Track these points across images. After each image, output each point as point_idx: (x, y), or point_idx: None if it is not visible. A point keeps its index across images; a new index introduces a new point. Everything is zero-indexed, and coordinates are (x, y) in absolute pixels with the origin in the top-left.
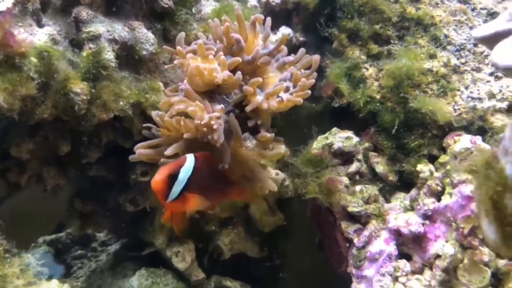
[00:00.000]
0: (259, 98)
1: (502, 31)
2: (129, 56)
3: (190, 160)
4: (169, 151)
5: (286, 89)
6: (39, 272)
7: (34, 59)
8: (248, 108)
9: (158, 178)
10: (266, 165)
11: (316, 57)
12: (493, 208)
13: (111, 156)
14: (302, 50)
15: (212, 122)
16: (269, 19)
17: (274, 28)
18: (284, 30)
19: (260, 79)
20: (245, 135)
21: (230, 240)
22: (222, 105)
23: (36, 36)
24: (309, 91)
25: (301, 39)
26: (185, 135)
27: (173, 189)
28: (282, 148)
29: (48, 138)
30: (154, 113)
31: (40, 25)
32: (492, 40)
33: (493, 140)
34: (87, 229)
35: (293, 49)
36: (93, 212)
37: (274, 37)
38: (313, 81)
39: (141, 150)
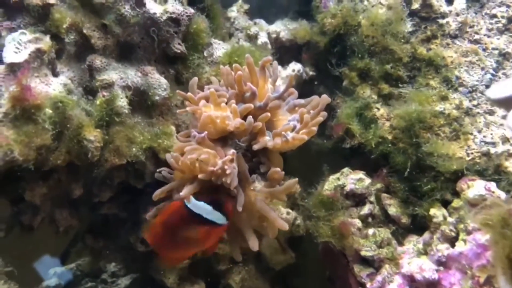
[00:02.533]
0: (267, 138)
1: None
2: (142, 101)
3: None
4: (184, 193)
5: (293, 129)
6: None
7: (49, 110)
8: (254, 147)
9: None
10: (277, 205)
11: (325, 97)
12: (510, 267)
13: (123, 194)
14: (315, 97)
15: (226, 167)
16: (275, 63)
17: (284, 63)
18: (294, 66)
19: (268, 114)
20: (253, 177)
21: (241, 278)
22: (234, 150)
23: (51, 86)
24: (315, 129)
25: (310, 73)
26: (199, 176)
27: None
28: (292, 183)
29: (61, 181)
30: (168, 156)
31: (55, 73)
32: (506, 103)
33: (508, 188)
34: (97, 264)
35: (303, 84)
36: (104, 248)
37: (284, 73)
38: (320, 119)
39: (158, 192)
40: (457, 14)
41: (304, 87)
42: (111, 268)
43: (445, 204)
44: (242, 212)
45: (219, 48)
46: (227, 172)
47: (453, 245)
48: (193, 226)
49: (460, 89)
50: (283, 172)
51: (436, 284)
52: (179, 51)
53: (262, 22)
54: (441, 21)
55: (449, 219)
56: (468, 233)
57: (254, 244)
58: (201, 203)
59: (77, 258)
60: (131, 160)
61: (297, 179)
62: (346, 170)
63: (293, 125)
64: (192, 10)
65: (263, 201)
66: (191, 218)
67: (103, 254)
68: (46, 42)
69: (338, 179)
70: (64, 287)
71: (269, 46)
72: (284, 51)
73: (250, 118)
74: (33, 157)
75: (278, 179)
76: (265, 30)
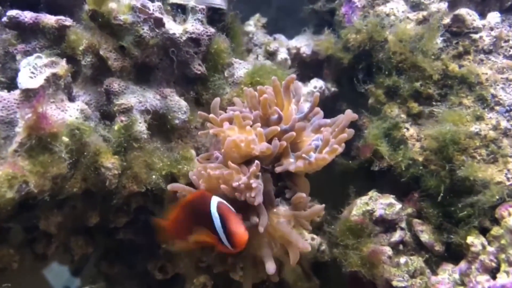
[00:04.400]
0: (291, 161)
1: None
2: (161, 125)
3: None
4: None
5: (316, 149)
6: None
7: (65, 138)
8: (277, 170)
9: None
10: (301, 230)
11: (349, 113)
12: None
13: (139, 219)
14: (341, 116)
15: (251, 181)
16: (297, 82)
17: (305, 79)
18: (316, 83)
19: (293, 133)
20: (277, 200)
21: None
22: (257, 161)
23: (68, 112)
24: (339, 147)
25: (332, 89)
26: (221, 187)
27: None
28: (318, 208)
29: (77, 208)
30: (191, 173)
31: (71, 97)
32: None
33: None
34: None
35: (325, 101)
36: (119, 275)
37: (305, 89)
38: (344, 136)
39: (175, 184)
40: (491, 28)
41: (326, 104)
42: None
43: (484, 232)
44: (263, 237)
45: (240, 68)
46: (253, 185)
47: (493, 276)
48: (206, 222)
49: (497, 108)
50: (309, 198)
51: None
52: (199, 72)
53: (282, 37)
54: (474, 36)
55: (489, 248)
56: (511, 264)
57: (270, 267)
58: (217, 216)
59: (91, 283)
60: (150, 188)
61: (323, 205)
62: (374, 194)
63: (315, 145)
64: (212, 30)
65: (286, 224)
66: (208, 213)
67: (118, 281)
68: (62, 66)
69: (367, 204)
70: None
71: (289, 62)
72: (305, 67)
73: (276, 141)
74: (48, 188)
75: (303, 204)
76: (285, 46)
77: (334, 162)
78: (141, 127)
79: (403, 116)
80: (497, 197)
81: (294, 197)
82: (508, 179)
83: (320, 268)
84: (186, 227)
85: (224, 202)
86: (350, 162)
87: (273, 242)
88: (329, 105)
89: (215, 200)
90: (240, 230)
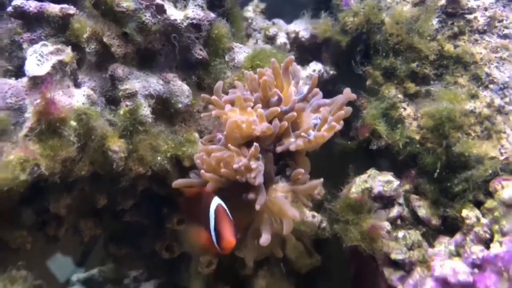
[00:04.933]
0: (292, 140)
1: None
2: (164, 109)
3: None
4: (210, 187)
5: (315, 128)
6: None
7: (73, 123)
8: (278, 149)
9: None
10: (302, 208)
11: (348, 91)
12: None
13: (145, 201)
14: (340, 96)
15: (251, 162)
16: (296, 65)
17: (304, 62)
18: (315, 66)
19: (295, 114)
20: (277, 178)
21: (266, 282)
22: (256, 144)
23: (74, 98)
24: (338, 125)
25: (331, 73)
26: (222, 171)
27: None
28: (316, 183)
29: (85, 191)
30: (195, 157)
31: (77, 84)
32: None
33: None
34: (121, 271)
35: (324, 84)
36: (127, 256)
37: (304, 73)
38: (342, 113)
39: (180, 180)
40: (485, 9)
41: (325, 87)
42: (133, 273)
43: (478, 205)
44: (263, 212)
45: (241, 52)
46: (253, 167)
47: (487, 247)
48: (203, 220)
49: (491, 86)
50: (308, 176)
51: (471, 287)
52: (200, 57)
53: (280, 22)
54: (468, 16)
55: (483, 220)
56: (504, 234)
57: (265, 239)
58: (213, 216)
59: (100, 265)
60: (156, 170)
61: (322, 179)
62: (373, 172)
63: (314, 124)
64: (213, 15)
65: (282, 197)
66: (207, 212)
67: (126, 262)
68: (67, 53)
69: (366, 181)
70: None
71: (288, 46)
72: (304, 51)
73: (276, 121)
74: (58, 170)
75: (302, 180)
76: (284, 30)
77: (333, 143)
78: (145, 111)
79: (400, 96)
80: (490, 171)
81: (294, 173)
82: (501, 154)
83: (321, 245)
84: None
85: (223, 205)
86: (349, 142)
87: (273, 218)
88: (328, 88)
89: (216, 201)
90: (228, 235)
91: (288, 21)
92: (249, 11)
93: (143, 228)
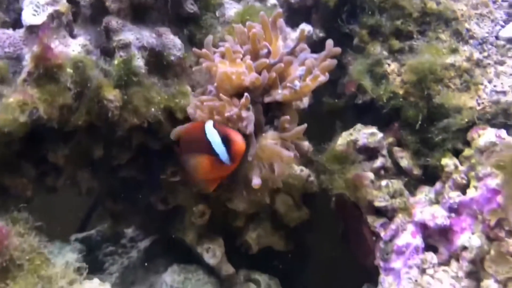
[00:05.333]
0: (279, 91)
1: None
2: (157, 62)
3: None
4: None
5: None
6: (80, 268)
7: (70, 70)
8: (265, 100)
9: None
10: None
11: (331, 43)
12: None
13: (140, 157)
14: (328, 42)
15: (242, 111)
16: (282, 21)
17: (294, 25)
18: (304, 27)
19: (282, 65)
20: (266, 127)
21: (257, 234)
22: (247, 94)
23: (70, 47)
24: (321, 75)
25: (321, 35)
26: (216, 117)
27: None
28: (301, 128)
29: (82, 142)
30: (188, 108)
31: (72, 35)
32: None
33: None
34: (118, 227)
35: (313, 45)
36: (124, 211)
37: (294, 34)
38: (326, 63)
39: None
40: None
41: (315, 49)
42: (129, 233)
43: (457, 154)
44: (252, 160)
45: (231, 8)
46: (243, 115)
47: (464, 193)
48: (202, 148)
49: (471, 41)
50: (296, 126)
51: (448, 230)
52: (192, 11)
53: None
54: None
55: (461, 168)
56: (479, 179)
57: (256, 180)
58: (215, 131)
59: (98, 223)
60: (150, 120)
61: (305, 124)
62: (358, 126)
63: (299, 75)
64: None
65: (272, 143)
66: (203, 138)
67: (123, 217)
68: (63, 4)
69: (351, 134)
70: (86, 253)
71: (278, 8)
72: (294, 13)
73: (265, 72)
74: (56, 116)
75: (289, 129)
76: None
77: (321, 102)
78: (139, 62)
79: (385, 53)
80: (466, 119)
81: (280, 121)
82: (478, 104)
83: (309, 198)
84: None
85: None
86: (337, 100)
87: (262, 164)
88: (317, 50)
89: (209, 123)
90: (236, 137)
91: None
92: None
93: (139, 183)
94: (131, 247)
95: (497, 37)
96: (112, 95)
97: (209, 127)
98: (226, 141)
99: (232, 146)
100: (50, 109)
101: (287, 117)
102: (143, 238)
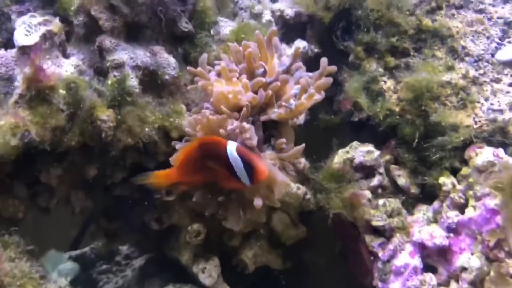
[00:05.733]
0: (274, 110)
1: None
2: (152, 81)
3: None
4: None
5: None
6: None
7: (62, 91)
8: (261, 119)
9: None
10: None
11: (325, 60)
12: None
13: (135, 175)
14: (323, 60)
15: (244, 123)
16: (276, 39)
17: (289, 41)
18: (299, 44)
19: (278, 83)
20: (264, 147)
21: (253, 253)
22: (247, 103)
23: (63, 67)
24: (316, 93)
25: (316, 51)
26: (220, 131)
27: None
28: (299, 148)
29: (76, 162)
30: (185, 123)
31: (65, 55)
32: None
33: None
34: (113, 246)
35: (308, 61)
36: (118, 230)
37: (289, 51)
38: (321, 81)
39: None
40: None
41: (310, 65)
42: (124, 250)
43: (454, 172)
44: None
45: (226, 26)
46: (246, 126)
47: (462, 212)
48: (221, 165)
49: (466, 58)
50: (293, 145)
51: (446, 250)
52: (186, 30)
53: (265, 0)
54: None
55: (458, 187)
56: (477, 199)
57: (258, 202)
58: (238, 157)
59: (92, 241)
60: (144, 140)
61: (304, 145)
62: (355, 143)
63: (294, 93)
64: None
65: (271, 165)
66: (224, 160)
67: (117, 236)
68: (56, 24)
69: (347, 152)
70: (80, 270)
71: (274, 24)
72: (289, 29)
73: (261, 91)
74: (48, 138)
75: (287, 149)
76: (269, 8)
77: (317, 119)
78: (133, 82)
79: (381, 70)
80: (462, 138)
81: (277, 142)
82: (475, 122)
83: (306, 216)
84: (196, 168)
85: (241, 145)
86: (333, 117)
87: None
88: (312, 66)
89: (232, 145)
90: (263, 167)
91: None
92: None
93: (134, 201)
94: (126, 265)
95: (492, 55)
96: (105, 115)
97: (231, 150)
98: (249, 167)
99: (256, 175)
100: (43, 131)
101: (283, 139)
102: (138, 256)
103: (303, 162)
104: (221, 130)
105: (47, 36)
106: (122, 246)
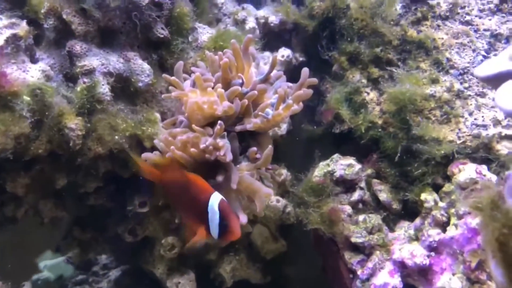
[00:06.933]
0: (251, 120)
1: (506, 72)
2: (125, 88)
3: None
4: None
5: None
6: None
7: (27, 98)
8: (236, 129)
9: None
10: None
11: (305, 70)
12: (500, 250)
13: (110, 184)
14: (304, 70)
15: (218, 140)
16: (252, 49)
17: (273, 48)
18: (283, 52)
19: (255, 92)
20: (240, 158)
21: (232, 267)
22: (221, 122)
23: (29, 73)
24: (295, 105)
25: (300, 59)
26: (191, 150)
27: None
28: (269, 150)
29: (44, 171)
30: (156, 141)
31: (33, 60)
32: (495, 80)
33: (499, 170)
34: (87, 256)
35: (293, 70)
36: (92, 240)
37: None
38: (300, 93)
39: (148, 154)
40: None
41: (294, 73)
42: (102, 260)
43: (437, 188)
44: (230, 192)
45: (204, 33)
46: (220, 144)
47: (444, 230)
48: (198, 209)
49: (451, 71)
50: (270, 152)
51: (427, 269)
52: (162, 35)
53: (250, 7)
54: (431, 2)
55: (441, 204)
56: (459, 217)
57: (243, 218)
58: (217, 212)
59: (67, 251)
60: (115, 149)
61: (271, 147)
62: (336, 156)
63: (272, 103)
64: None
65: (249, 176)
66: (203, 207)
67: (92, 246)
68: (22, 28)
69: (328, 165)
70: (55, 280)
71: (258, 31)
72: (274, 37)
73: (237, 100)
74: (10, 146)
75: (258, 158)
76: (253, 15)
77: (300, 129)
78: (103, 89)
79: (364, 81)
80: (443, 152)
81: (250, 151)
82: (459, 137)
83: (286, 230)
84: (175, 189)
85: (225, 200)
86: (315, 128)
87: (240, 195)
88: (296, 75)
89: (216, 197)
90: (237, 230)
91: (260, 7)
92: None
93: (108, 211)
94: (103, 275)
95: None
96: (73, 123)
97: (213, 202)
98: (223, 225)
99: (228, 235)
100: (4, 139)
101: (255, 148)
102: (116, 266)
103: (284, 173)
104: (193, 149)
105: (12, 40)
106: (100, 256)
